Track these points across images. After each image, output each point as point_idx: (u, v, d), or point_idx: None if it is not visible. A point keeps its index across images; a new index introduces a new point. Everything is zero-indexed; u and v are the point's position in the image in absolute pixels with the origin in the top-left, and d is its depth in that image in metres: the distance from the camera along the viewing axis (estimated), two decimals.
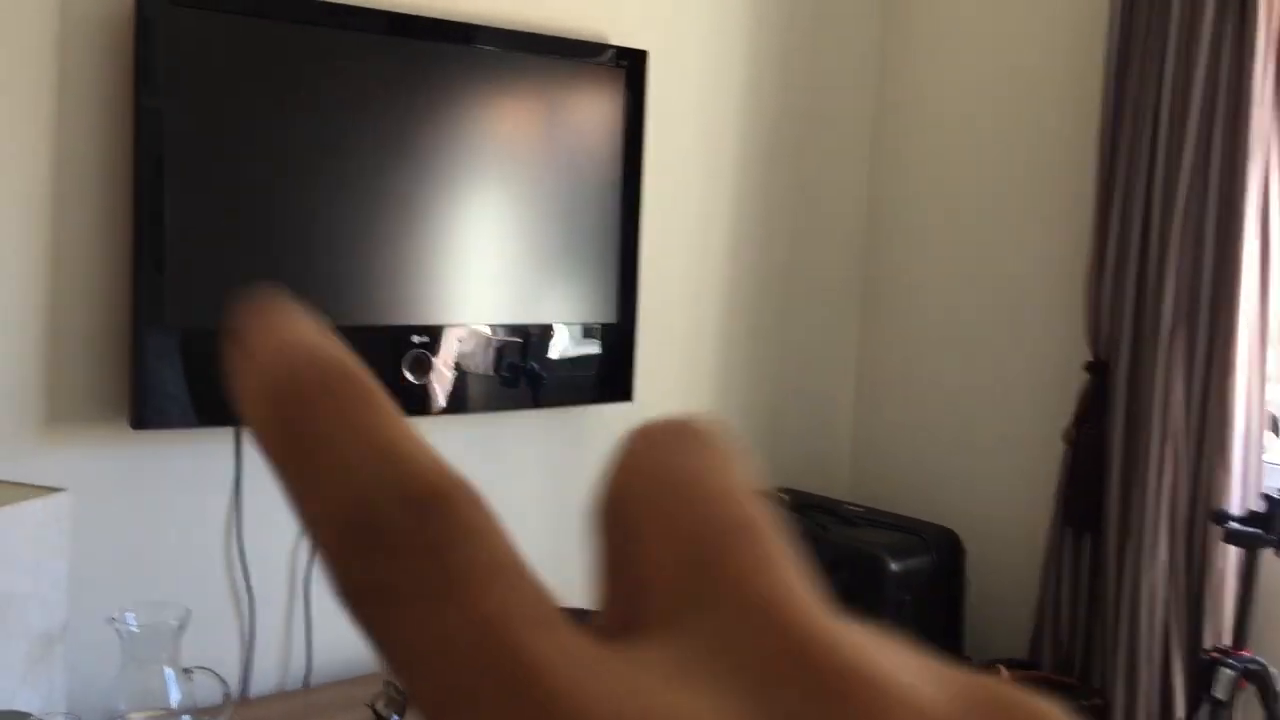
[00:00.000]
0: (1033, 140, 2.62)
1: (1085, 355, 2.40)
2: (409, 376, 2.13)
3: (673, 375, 2.66)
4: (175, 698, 1.78)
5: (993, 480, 2.69)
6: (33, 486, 1.76)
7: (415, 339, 2.14)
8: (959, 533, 2.56)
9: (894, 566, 2.37)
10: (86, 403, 1.89)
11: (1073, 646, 2.42)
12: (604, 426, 2.53)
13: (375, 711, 2.00)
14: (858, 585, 2.39)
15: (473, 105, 2.19)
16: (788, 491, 2.75)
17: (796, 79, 2.80)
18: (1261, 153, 2.11)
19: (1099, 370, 2.36)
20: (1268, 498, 1.96)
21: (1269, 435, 2.20)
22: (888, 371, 2.94)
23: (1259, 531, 1.93)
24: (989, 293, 2.71)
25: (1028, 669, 2.44)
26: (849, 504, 2.70)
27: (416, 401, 2.15)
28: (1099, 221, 2.33)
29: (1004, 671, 2.35)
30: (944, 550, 2.50)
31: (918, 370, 2.87)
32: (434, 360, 2.16)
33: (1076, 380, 2.42)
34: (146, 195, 1.84)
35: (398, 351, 2.11)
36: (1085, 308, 2.37)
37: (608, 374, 2.44)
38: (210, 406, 1.95)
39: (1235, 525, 1.94)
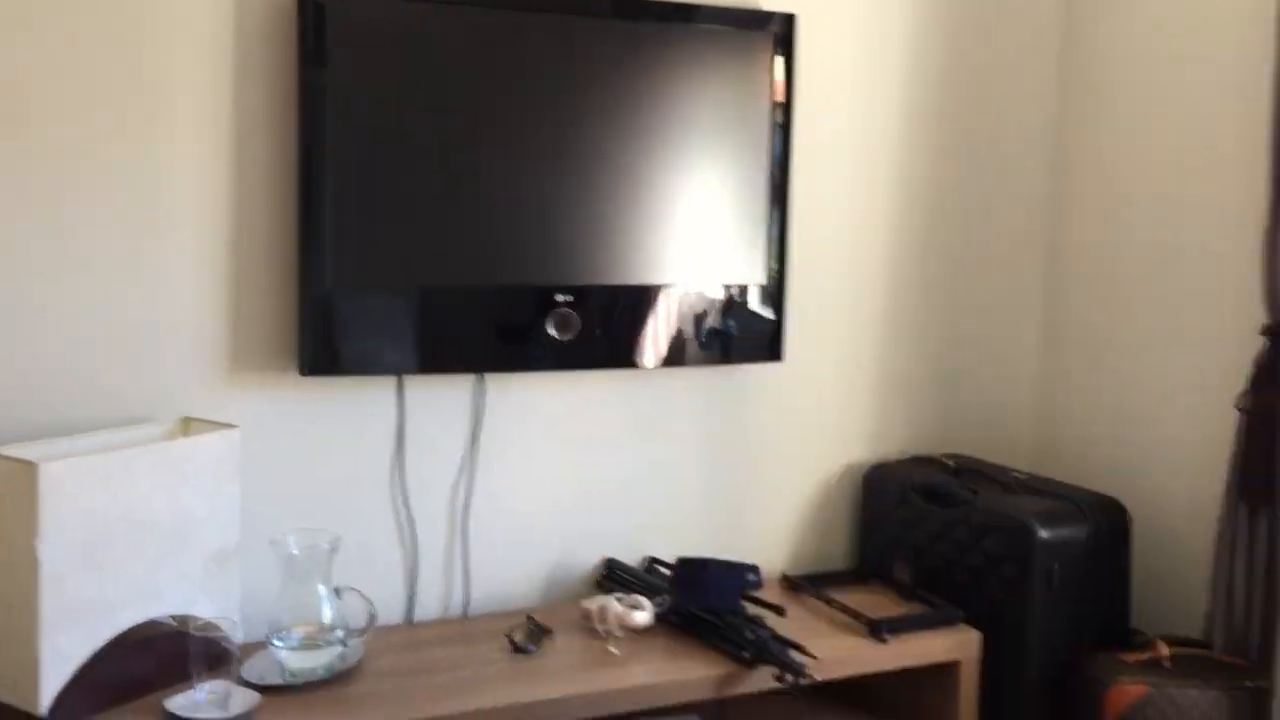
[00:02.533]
0: (1213, 94, 2.47)
1: (1263, 319, 2.25)
2: (553, 334, 2.26)
3: (831, 337, 2.67)
4: (329, 614, 2.00)
5: (1166, 450, 2.56)
6: (211, 422, 2.03)
7: (560, 298, 2.27)
8: (1128, 504, 2.45)
9: (1043, 534, 2.31)
10: (264, 353, 2.14)
11: (1248, 627, 2.28)
12: (755, 386, 2.59)
13: (512, 641, 2.17)
14: (1006, 552, 2.34)
15: (628, 75, 2.29)
16: (954, 457, 2.72)
17: (969, 26, 2.74)
18: None
19: (1276, 335, 2.21)
20: None
21: None
22: (1072, 334, 2.83)
23: None
24: (1167, 254, 2.57)
25: (1197, 647, 2.32)
26: (1014, 471, 2.64)
27: (561, 357, 2.29)
28: (1275, 180, 2.18)
29: (1164, 648, 2.26)
30: (1105, 520, 2.40)
31: (1100, 337, 2.76)
32: (580, 319, 2.28)
33: (1254, 345, 2.27)
34: (310, 170, 2.06)
35: (543, 309, 2.25)
36: (1263, 269, 2.23)
37: (758, 334, 2.50)
38: (372, 357, 2.16)
39: None
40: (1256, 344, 2.26)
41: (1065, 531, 2.34)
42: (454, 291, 2.21)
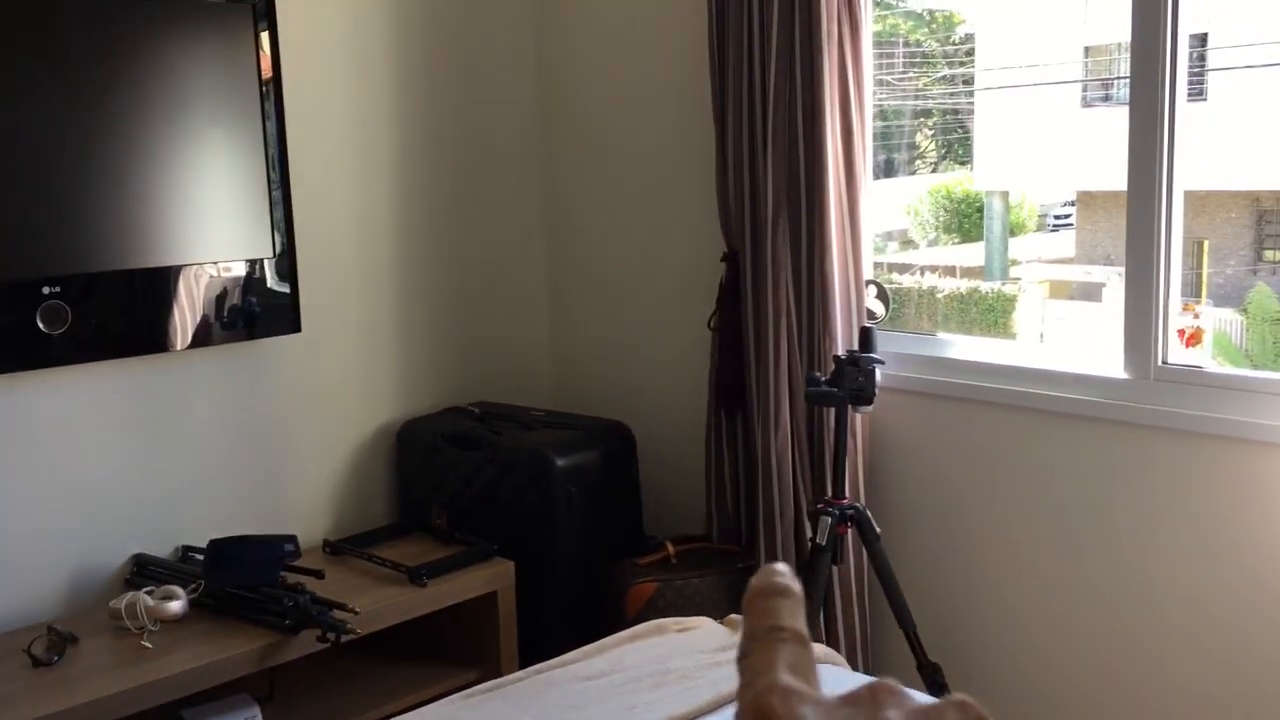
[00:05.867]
0: (667, 94, 2.78)
1: (722, 247, 2.57)
2: (43, 328, 2.15)
3: (347, 305, 2.73)
4: None
5: (658, 373, 2.88)
6: None
7: (47, 290, 2.15)
8: (632, 425, 2.72)
9: (559, 462, 2.52)
10: None
11: (738, 517, 2.62)
12: (278, 359, 2.60)
13: (31, 655, 2.06)
14: (529, 483, 2.53)
15: (114, 53, 2.19)
16: (480, 404, 2.87)
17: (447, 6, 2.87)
18: (832, 69, 2.30)
19: (732, 259, 2.54)
20: (836, 359, 2.17)
21: (871, 301, 2.41)
22: (571, 280, 3.08)
23: (832, 389, 2.13)
24: (641, 200, 2.87)
25: (700, 542, 2.63)
26: (534, 410, 2.84)
27: (57, 352, 2.18)
28: (719, 141, 2.50)
29: (671, 547, 2.55)
30: (614, 442, 2.66)
31: (597, 281, 3.01)
32: (71, 310, 2.18)
33: (717, 271, 2.59)
34: None
35: (31, 303, 2.13)
36: (719, 206, 2.54)
37: (275, 307, 2.50)
38: None
39: (813, 388, 2.14)
40: (719, 270, 2.58)
41: (578, 457, 2.56)
42: None
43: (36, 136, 2.13)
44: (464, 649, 2.50)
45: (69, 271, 2.19)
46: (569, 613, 2.54)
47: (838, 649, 2.31)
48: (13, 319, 2.13)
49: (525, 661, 2.43)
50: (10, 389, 2.22)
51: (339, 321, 2.71)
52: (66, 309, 2.18)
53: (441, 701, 1.68)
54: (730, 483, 2.60)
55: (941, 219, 4.26)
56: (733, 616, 1.95)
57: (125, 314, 2.29)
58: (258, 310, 2.48)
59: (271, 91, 2.46)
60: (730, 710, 1.67)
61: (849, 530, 2.21)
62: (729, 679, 1.72)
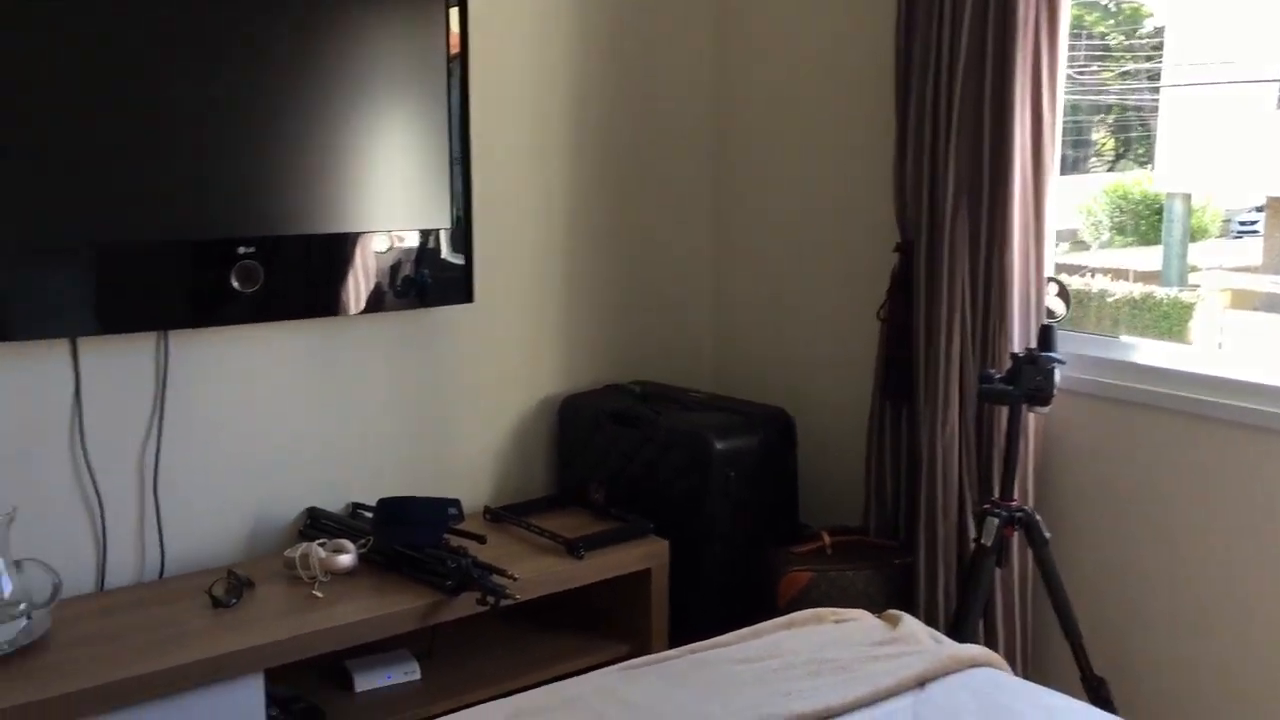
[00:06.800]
0: (849, 46, 2.73)
1: (896, 238, 2.53)
2: (237, 286, 2.25)
3: (517, 279, 2.78)
4: (7, 588, 1.93)
5: (823, 361, 2.85)
6: None
7: (242, 250, 2.25)
8: (793, 412, 2.71)
9: (718, 445, 2.52)
10: None
11: (896, 511, 2.58)
12: (449, 328, 2.66)
13: (213, 596, 2.17)
14: (687, 464, 2.54)
15: (307, 25, 2.28)
16: (641, 383, 2.90)
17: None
18: (1025, 58, 2.23)
19: (906, 250, 2.49)
20: (1014, 356, 2.11)
21: (1051, 300, 2.33)
22: (739, 265, 3.07)
23: (1007, 388, 2.07)
24: (814, 187, 2.84)
25: (856, 534, 2.60)
26: (694, 391, 2.85)
27: (248, 310, 2.28)
28: (899, 129, 2.45)
29: (827, 537, 2.52)
30: (774, 428, 2.65)
31: (764, 267, 3.00)
32: (265, 270, 2.28)
33: (889, 262, 2.55)
34: None
35: (226, 262, 2.23)
36: (895, 197, 2.49)
37: (448, 277, 2.56)
38: (42, 320, 2.07)
39: (987, 385, 2.09)
40: (891, 260, 2.53)
41: (738, 441, 2.56)
42: (130, 247, 2.15)
43: (235, 106, 2.22)
44: (615, 624, 2.53)
45: (262, 233, 2.28)
46: (720, 596, 2.54)
47: (997, 652, 2.26)
48: (210, 276, 2.23)
49: (674, 641, 2.45)
50: (205, 343, 2.33)
51: (509, 294, 2.76)
52: (260, 268, 2.28)
53: (600, 671, 1.70)
54: (891, 476, 2.56)
55: (1116, 219, 4.10)
56: (891, 611, 1.92)
57: (310, 277, 2.38)
58: (432, 279, 2.55)
59: (457, 67, 2.52)
60: (890, 705, 1.64)
61: (1016, 533, 2.15)
62: (888, 673, 1.70)
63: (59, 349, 2.17)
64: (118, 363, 2.23)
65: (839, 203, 2.79)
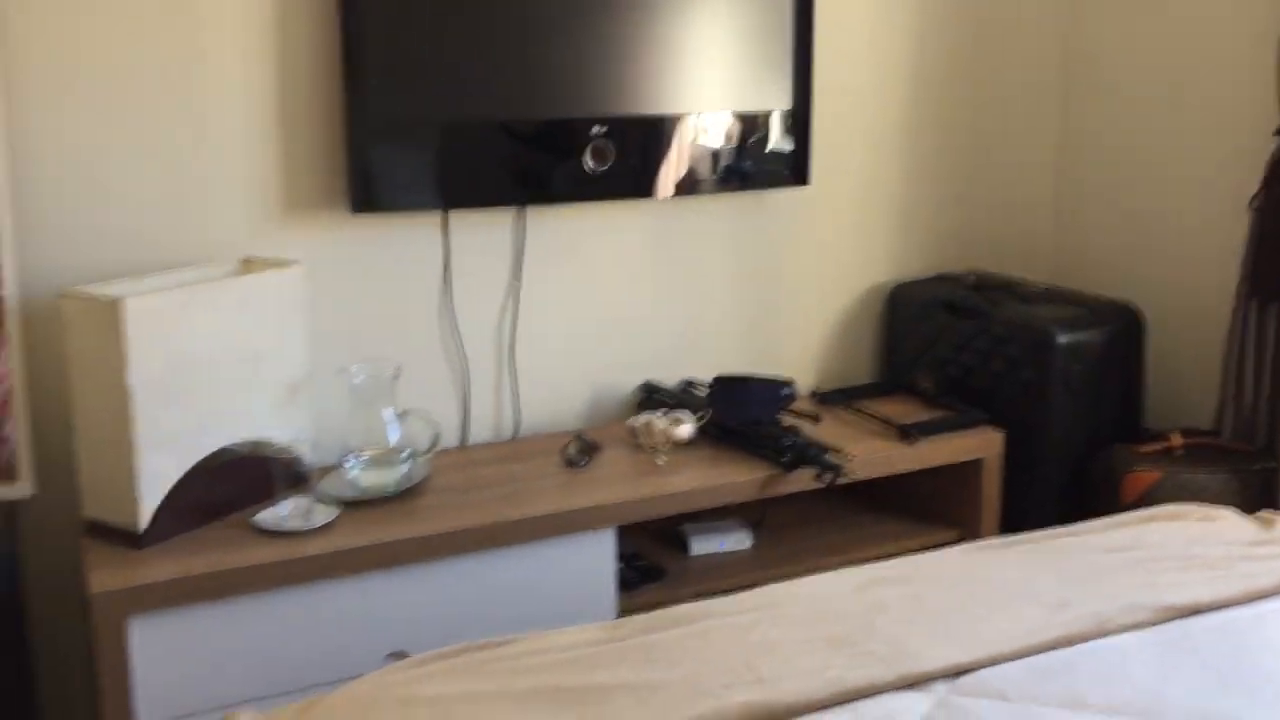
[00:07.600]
0: None
1: (1276, 121, 2.31)
2: (589, 165, 2.34)
3: (853, 164, 2.75)
4: (394, 436, 2.13)
5: (1179, 253, 2.67)
6: (273, 260, 2.13)
7: (595, 130, 2.34)
8: (1142, 307, 2.56)
9: (1061, 339, 2.42)
10: (316, 193, 2.23)
11: (1256, 416, 2.41)
12: (782, 211, 2.68)
13: (565, 456, 2.31)
14: (1025, 357, 2.46)
15: None
16: (974, 273, 2.82)
17: None
18: None
19: None
20: None
21: None
22: (1087, 145, 2.90)
23: None
24: (1181, 61, 2.63)
25: (1208, 436, 2.46)
26: (1032, 282, 2.74)
27: (598, 188, 2.37)
28: None
29: (1176, 439, 2.40)
30: (1120, 323, 2.52)
31: (1115, 146, 2.82)
32: (615, 149, 2.36)
33: (1267, 147, 2.34)
34: (351, 10, 2.12)
35: (580, 141, 2.33)
36: (1277, 73, 2.28)
37: (784, 160, 2.57)
38: (417, 194, 2.25)
39: None
40: (1270, 145, 2.33)
41: (1081, 335, 2.45)
42: (494, 127, 2.28)
43: None
44: (944, 511, 2.52)
45: (613, 113, 2.36)
46: (1058, 492, 2.47)
47: None
48: (565, 154, 2.34)
49: (1005, 533, 2.41)
50: (560, 219, 2.45)
51: (843, 179, 2.74)
52: (611, 147, 2.36)
53: (959, 547, 1.70)
54: (1254, 379, 2.39)
55: None
56: (1266, 512, 1.81)
57: (655, 157, 2.44)
58: (768, 161, 2.56)
59: None
60: (1265, 605, 1.57)
61: None
62: (1265, 574, 1.62)
63: (431, 222, 2.34)
64: (482, 236, 2.39)
65: (1207, 82, 2.58)
